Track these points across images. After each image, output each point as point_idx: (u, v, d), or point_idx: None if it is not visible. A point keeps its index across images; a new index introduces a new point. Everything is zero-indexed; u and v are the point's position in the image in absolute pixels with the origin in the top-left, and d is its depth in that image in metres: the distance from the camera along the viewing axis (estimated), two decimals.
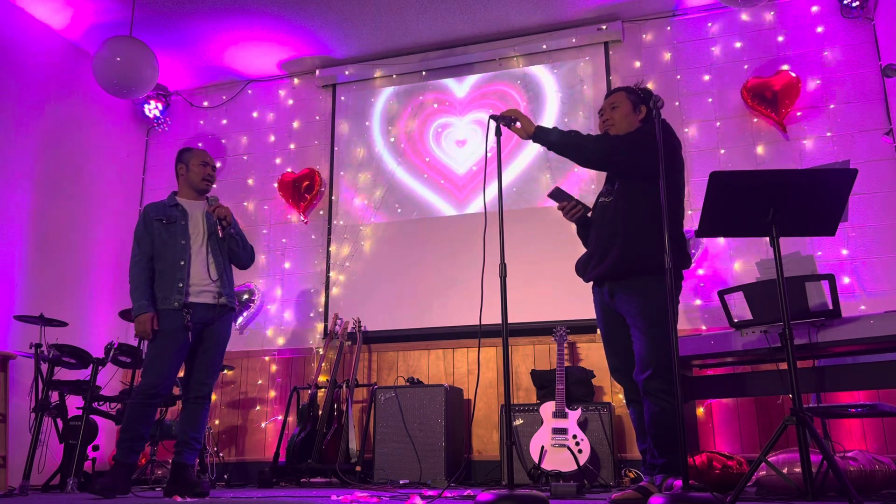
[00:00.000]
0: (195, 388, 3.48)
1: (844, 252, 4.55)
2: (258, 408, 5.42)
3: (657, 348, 2.67)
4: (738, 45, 5.07)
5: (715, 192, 2.67)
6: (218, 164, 5.98)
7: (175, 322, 3.42)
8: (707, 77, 5.08)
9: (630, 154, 2.81)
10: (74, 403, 4.43)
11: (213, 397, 5.46)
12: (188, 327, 3.41)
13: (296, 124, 5.96)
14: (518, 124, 2.85)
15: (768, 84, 4.80)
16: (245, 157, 6.01)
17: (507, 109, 2.88)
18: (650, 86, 5.17)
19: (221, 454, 5.16)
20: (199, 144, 6.10)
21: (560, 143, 2.83)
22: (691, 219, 4.83)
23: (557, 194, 3.07)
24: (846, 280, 4.49)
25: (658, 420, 2.67)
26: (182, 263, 3.51)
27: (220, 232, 3.56)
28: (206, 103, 6.21)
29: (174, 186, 3.82)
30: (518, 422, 4.34)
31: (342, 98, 5.89)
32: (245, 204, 5.89)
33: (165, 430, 4.56)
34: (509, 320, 2.76)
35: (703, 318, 4.69)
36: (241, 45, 5.64)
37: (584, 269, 3.02)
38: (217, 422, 5.43)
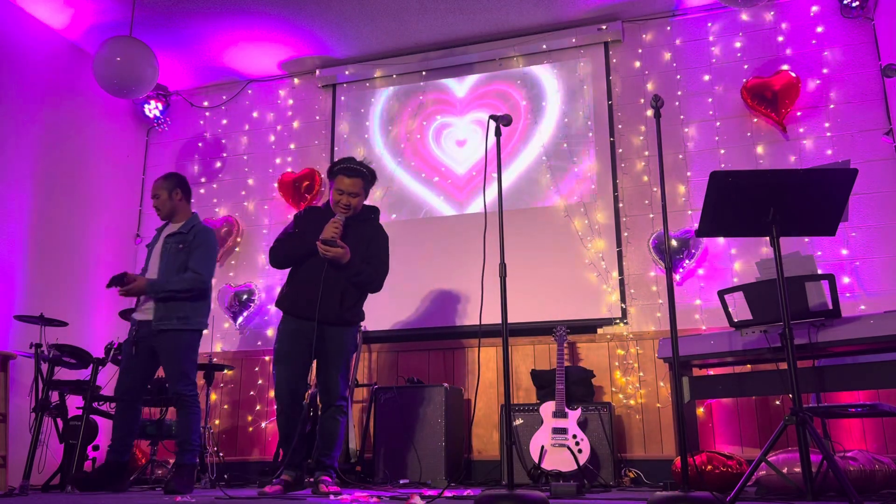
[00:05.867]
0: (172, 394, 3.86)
1: (844, 252, 4.55)
2: (258, 408, 5.42)
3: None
4: (738, 45, 5.07)
5: (715, 192, 2.67)
6: (218, 164, 6.05)
7: (129, 335, 3.90)
8: (707, 77, 5.08)
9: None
10: (74, 403, 4.43)
11: (213, 397, 5.47)
12: (132, 341, 3.84)
13: (296, 124, 5.96)
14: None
15: (768, 84, 4.80)
16: (245, 157, 6.00)
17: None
18: (650, 86, 5.18)
19: (222, 454, 5.15)
20: (199, 145, 6.12)
21: None
22: (691, 219, 4.84)
23: None
24: (846, 280, 4.49)
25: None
26: None
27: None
28: (206, 103, 6.21)
29: None
30: (518, 422, 4.34)
31: (342, 98, 5.89)
32: (245, 204, 5.89)
33: (165, 431, 4.55)
34: (509, 320, 2.76)
35: (703, 318, 4.69)
36: (241, 45, 5.64)
37: None
38: (217, 422, 5.43)
